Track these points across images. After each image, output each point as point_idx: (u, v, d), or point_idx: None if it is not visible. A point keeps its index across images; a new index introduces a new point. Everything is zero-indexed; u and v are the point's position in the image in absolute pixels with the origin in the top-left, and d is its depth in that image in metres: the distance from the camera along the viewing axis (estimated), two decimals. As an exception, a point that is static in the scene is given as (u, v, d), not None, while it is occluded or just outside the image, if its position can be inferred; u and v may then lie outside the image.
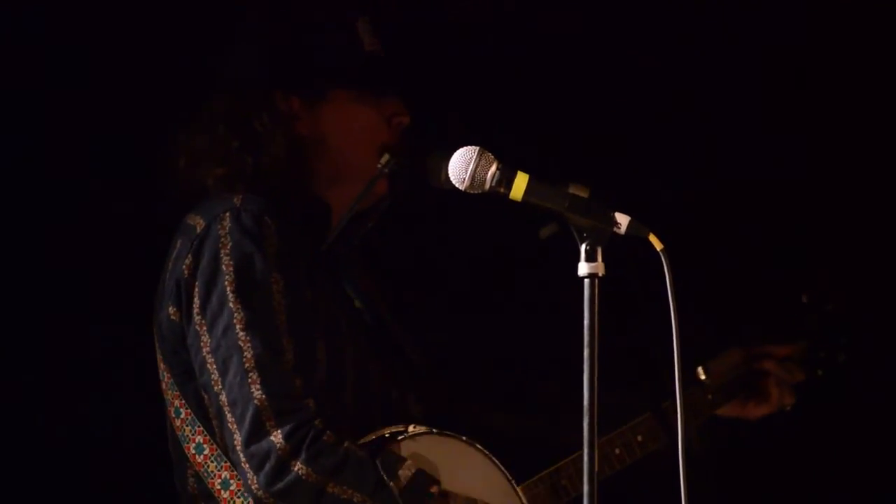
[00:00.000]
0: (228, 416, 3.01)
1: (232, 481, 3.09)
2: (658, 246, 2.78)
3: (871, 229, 4.43)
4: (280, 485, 2.97)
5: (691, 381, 3.70)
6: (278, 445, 2.97)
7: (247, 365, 3.00)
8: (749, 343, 3.80)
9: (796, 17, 4.33)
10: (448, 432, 3.21)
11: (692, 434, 3.68)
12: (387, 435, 3.12)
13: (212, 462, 3.11)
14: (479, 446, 3.23)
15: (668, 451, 3.61)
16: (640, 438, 3.61)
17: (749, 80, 4.41)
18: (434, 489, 3.06)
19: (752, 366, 3.78)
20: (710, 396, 3.74)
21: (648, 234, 2.78)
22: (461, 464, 3.19)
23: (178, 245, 3.13)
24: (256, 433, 2.98)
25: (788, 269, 4.37)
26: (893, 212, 4.43)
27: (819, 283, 3.88)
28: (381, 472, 3.02)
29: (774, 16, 4.33)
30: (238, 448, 3.00)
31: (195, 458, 3.13)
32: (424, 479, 3.06)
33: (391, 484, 3.01)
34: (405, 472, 3.04)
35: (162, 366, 3.19)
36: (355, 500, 3.00)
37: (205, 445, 3.12)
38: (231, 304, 3.02)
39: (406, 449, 3.11)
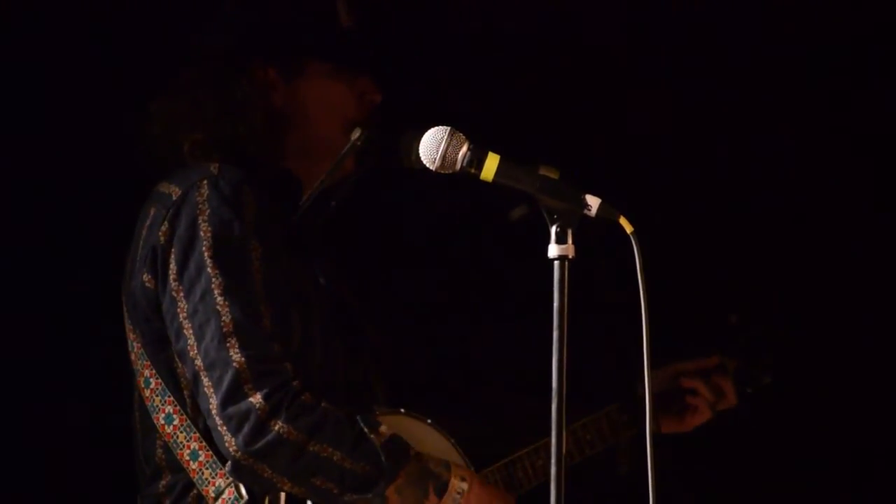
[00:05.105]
0: (205, 380, 3.00)
1: (200, 452, 3.08)
2: (628, 229, 2.78)
3: (801, 254, 4.45)
4: (260, 444, 2.97)
5: (625, 396, 3.68)
6: (258, 406, 2.96)
7: (225, 329, 2.99)
8: (675, 360, 3.76)
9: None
10: (415, 413, 3.23)
11: (622, 452, 3.67)
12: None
13: (181, 433, 3.10)
14: (443, 431, 3.26)
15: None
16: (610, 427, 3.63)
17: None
18: (412, 451, 3.07)
19: (679, 383, 3.73)
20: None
21: (619, 217, 2.79)
22: (426, 444, 3.19)
23: (152, 213, 3.13)
24: (234, 395, 2.97)
25: (719, 290, 4.38)
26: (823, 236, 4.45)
27: (748, 306, 3.89)
28: (363, 426, 3.02)
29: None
30: (214, 411, 2.99)
31: (164, 428, 3.12)
32: (402, 441, 3.07)
33: (372, 436, 3.02)
34: (385, 430, 3.05)
35: (132, 336, 3.18)
36: (335, 458, 3.00)
37: (174, 416, 3.11)
38: (209, 270, 3.02)
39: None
